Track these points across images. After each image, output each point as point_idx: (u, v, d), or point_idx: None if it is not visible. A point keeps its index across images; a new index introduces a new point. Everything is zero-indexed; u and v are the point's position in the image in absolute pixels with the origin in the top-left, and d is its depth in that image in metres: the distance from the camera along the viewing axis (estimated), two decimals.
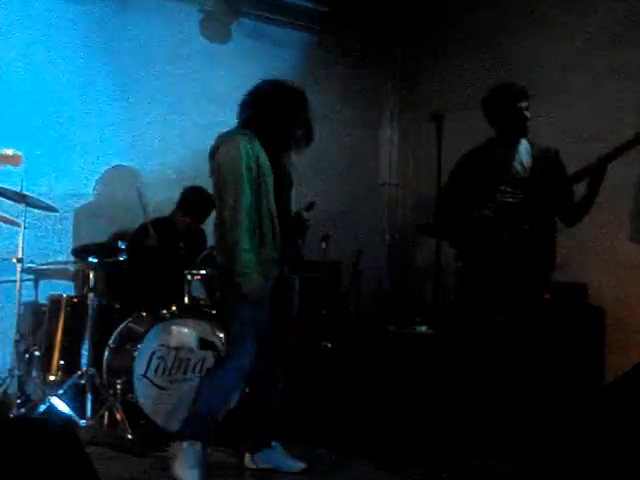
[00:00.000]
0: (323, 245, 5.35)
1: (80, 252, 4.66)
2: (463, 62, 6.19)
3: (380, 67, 7.00)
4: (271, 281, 3.56)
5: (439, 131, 3.79)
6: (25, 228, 4.52)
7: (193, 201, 5.11)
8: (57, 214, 5.01)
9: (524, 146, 4.12)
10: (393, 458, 4.04)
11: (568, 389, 4.41)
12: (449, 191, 4.15)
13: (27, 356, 4.71)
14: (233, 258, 3.45)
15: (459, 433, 3.97)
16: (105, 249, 4.64)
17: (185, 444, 3.43)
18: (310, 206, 4.68)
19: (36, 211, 4.80)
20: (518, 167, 4.08)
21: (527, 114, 4.04)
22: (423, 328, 5.63)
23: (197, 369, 4.32)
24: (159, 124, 5.87)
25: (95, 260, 4.50)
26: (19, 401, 4.35)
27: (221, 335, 4.36)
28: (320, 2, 6.41)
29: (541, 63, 5.59)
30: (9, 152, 3.30)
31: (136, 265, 4.78)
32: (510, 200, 4.04)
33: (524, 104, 4.03)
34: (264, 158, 3.53)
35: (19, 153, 3.28)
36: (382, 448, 4.22)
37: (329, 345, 5.29)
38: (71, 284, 5.28)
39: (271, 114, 3.59)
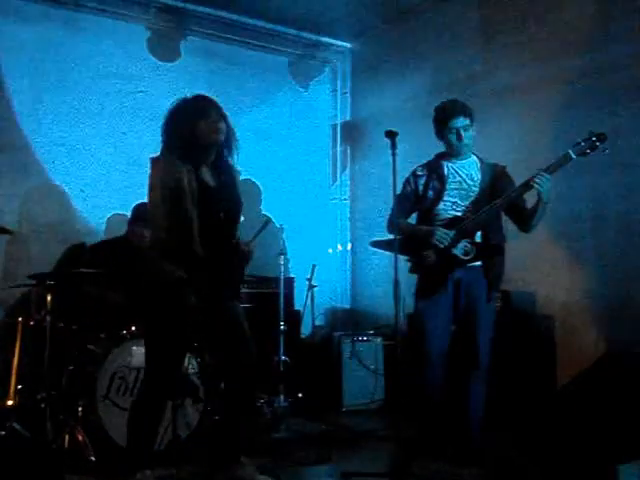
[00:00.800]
0: (281, 261, 5.39)
1: (35, 275, 4.61)
2: (407, 76, 6.32)
3: (328, 82, 7.10)
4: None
5: (393, 148, 3.88)
6: None
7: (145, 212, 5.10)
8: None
9: (473, 161, 4.26)
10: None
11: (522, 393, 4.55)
12: (400, 201, 4.23)
13: None
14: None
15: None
16: (60, 269, 4.61)
17: (135, 477, 3.53)
18: (266, 224, 4.78)
19: None
20: (469, 182, 4.20)
21: (463, 133, 4.13)
22: (378, 340, 5.73)
23: None
24: (106, 142, 5.87)
25: (51, 283, 4.45)
26: None
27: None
28: (268, 20, 6.48)
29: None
30: None
31: (93, 285, 4.75)
32: (461, 213, 4.15)
33: (457, 125, 4.12)
34: (186, 178, 3.46)
35: None
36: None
37: (288, 360, 5.33)
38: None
39: (172, 131, 3.58)
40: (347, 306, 6.91)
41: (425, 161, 4.35)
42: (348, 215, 7.10)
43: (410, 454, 3.89)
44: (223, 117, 3.62)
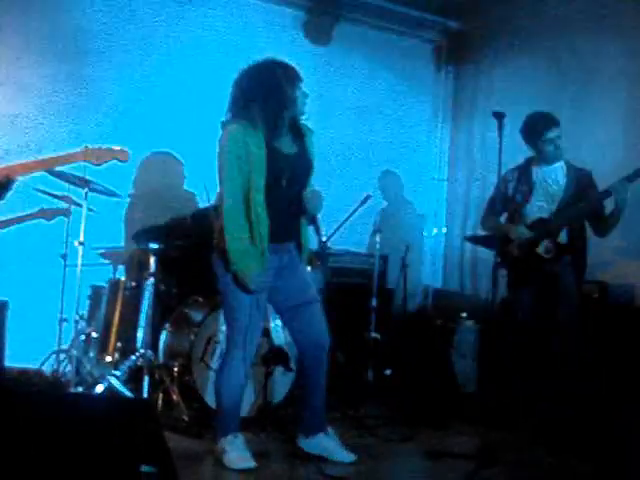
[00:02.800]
0: (377, 238, 5.40)
1: (141, 236, 4.76)
2: (518, 60, 6.17)
3: (434, 61, 7.02)
4: (269, 271, 3.57)
5: (500, 129, 3.91)
6: (89, 212, 4.65)
7: None
8: (118, 199, 5.14)
9: (560, 166, 4.51)
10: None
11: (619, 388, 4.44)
12: (491, 203, 4.69)
13: (84, 337, 4.87)
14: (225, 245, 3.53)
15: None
16: (163, 233, 4.74)
17: (226, 438, 3.62)
18: (366, 199, 4.81)
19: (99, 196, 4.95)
20: (555, 186, 4.47)
21: (558, 143, 4.41)
22: (469, 323, 5.66)
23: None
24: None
25: (156, 245, 4.61)
26: (77, 380, 4.49)
27: (276, 322, 4.45)
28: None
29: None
30: (116, 148, 3.41)
31: (195, 251, 4.87)
32: (547, 217, 4.44)
33: (553, 135, 4.40)
34: (255, 145, 3.45)
35: (125, 149, 3.39)
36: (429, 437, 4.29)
37: (378, 337, 5.35)
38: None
39: (252, 97, 3.50)
40: (439, 286, 6.86)
41: (515, 165, 4.63)
42: (445, 196, 7.01)
43: (496, 440, 3.85)
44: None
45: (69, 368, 4.67)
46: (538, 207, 4.49)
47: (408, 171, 6.74)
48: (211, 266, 4.80)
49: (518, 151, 4.62)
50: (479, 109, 6.53)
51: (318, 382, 3.80)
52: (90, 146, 3.42)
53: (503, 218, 4.70)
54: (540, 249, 4.41)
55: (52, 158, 3.33)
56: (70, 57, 5.45)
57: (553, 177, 4.49)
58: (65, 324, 4.76)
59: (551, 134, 4.40)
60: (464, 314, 5.62)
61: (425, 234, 6.92)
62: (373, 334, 5.33)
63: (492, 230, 4.71)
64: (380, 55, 6.63)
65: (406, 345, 5.62)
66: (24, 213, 4.99)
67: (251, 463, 3.57)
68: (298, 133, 3.66)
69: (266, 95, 3.48)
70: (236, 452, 3.61)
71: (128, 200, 5.58)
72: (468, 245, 6.40)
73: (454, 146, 6.98)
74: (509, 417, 4.25)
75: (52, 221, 5.08)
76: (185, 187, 5.79)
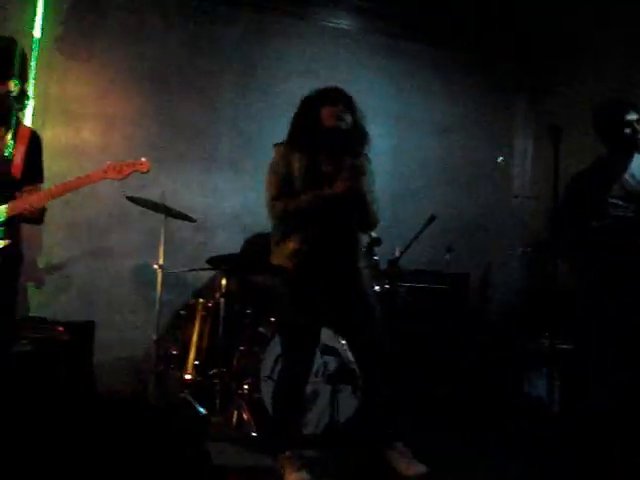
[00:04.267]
0: (447, 257, 5.38)
1: (213, 260, 4.94)
2: (597, 74, 6.03)
3: (512, 76, 6.94)
4: (316, 283, 3.65)
5: (556, 144, 3.77)
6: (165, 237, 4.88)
7: None
8: (196, 224, 5.35)
9: (637, 161, 4.12)
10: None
11: None
12: (563, 207, 4.16)
13: (167, 355, 5.09)
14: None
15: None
16: (236, 256, 4.91)
17: (286, 453, 3.66)
18: (430, 221, 4.79)
19: (177, 221, 5.18)
20: (631, 181, 4.07)
21: (636, 127, 4.05)
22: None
23: (319, 373, 4.47)
24: None
25: (226, 268, 4.77)
26: (157, 396, 4.70)
27: (343, 342, 4.50)
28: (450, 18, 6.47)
29: None
30: (137, 161, 3.54)
31: (267, 271, 5.01)
32: (622, 214, 4.04)
33: (633, 117, 4.05)
34: (297, 163, 3.64)
35: (144, 160, 3.53)
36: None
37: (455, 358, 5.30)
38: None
39: (295, 117, 3.76)
40: (523, 306, 6.71)
41: (586, 166, 4.27)
42: (527, 214, 6.88)
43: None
44: (351, 110, 3.70)
45: (147, 385, 4.89)
46: (613, 205, 4.06)
47: (489, 188, 6.66)
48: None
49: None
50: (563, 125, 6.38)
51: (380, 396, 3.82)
52: (111, 162, 3.53)
53: None
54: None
55: (76, 180, 3.45)
56: (155, 89, 5.74)
57: (630, 171, 4.10)
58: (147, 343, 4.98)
59: (630, 116, 4.05)
60: (546, 333, 5.47)
61: (510, 252, 6.80)
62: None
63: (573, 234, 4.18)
64: (460, 74, 6.61)
65: (483, 364, 5.54)
66: None
67: None
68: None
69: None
70: (294, 471, 3.63)
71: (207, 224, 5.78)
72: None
73: (536, 163, 6.85)
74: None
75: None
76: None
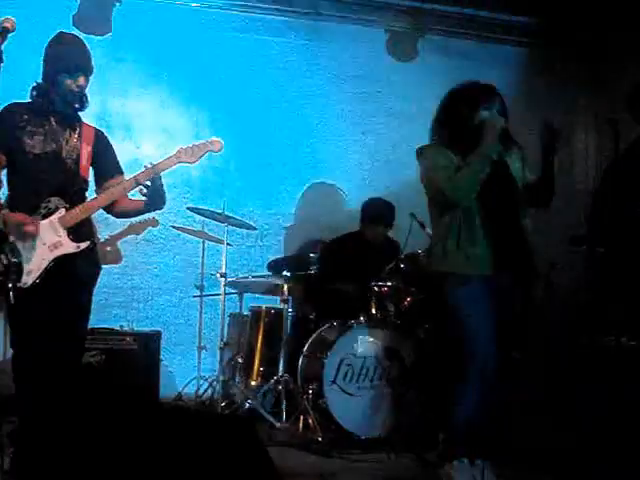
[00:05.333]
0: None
1: (273, 266, 5.01)
2: None
3: (573, 73, 6.80)
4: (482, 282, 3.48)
5: (616, 137, 3.67)
6: (228, 245, 4.95)
7: (377, 213, 5.31)
8: (257, 232, 5.43)
9: None
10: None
11: None
12: (601, 196, 4.20)
13: (232, 362, 5.16)
14: None
15: None
16: (296, 261, 4.95)
17: (452, 464, 3.48)
18: None
19: (238, 230, 5.26)
20: None
21: None
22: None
23: (383, 377, 4.47)
24: (351, 143, 6.16)
25: (288, 274, 4.82)
26: (223, 404, 4.77)
27: (406, 344, 4.50)
28: (516, 14, 6.38)
29: None
30: (209, 140, 3.48)
31: (328, 276, 5.05)
32: None
33: None
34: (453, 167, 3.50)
35: (218, 138, 3.50)
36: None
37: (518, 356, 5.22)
38: (274, 297, 5.67)
39: (447, 118, 3.60)
40: (589, 306, 6.56)
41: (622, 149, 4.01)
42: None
43: None
44: (503, 111, 3.54)
45: (214, 392, 4.97)
46: None
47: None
48: (345, 291, 5.01)
49: None
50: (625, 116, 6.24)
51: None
52: (183, 146, 3.45)
53: None
54: None
55: (146, 170, 3.39)
56: (209, 101, 5.84)
57: None
58: (204, 351, 5.05)
59: None
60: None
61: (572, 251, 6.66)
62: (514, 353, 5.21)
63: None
64: (519, 71, 6.53)
65: (547, 366, 5.44)
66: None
67: None
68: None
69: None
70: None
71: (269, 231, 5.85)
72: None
73: (601, 156, 6.70)
74: None
75: (142, 234, 5.47)
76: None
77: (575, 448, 4.05)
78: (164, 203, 3.58)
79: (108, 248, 5.13)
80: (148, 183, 3.42)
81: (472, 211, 3.49)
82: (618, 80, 6.37)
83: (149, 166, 3.43)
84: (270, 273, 5.19)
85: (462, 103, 3.52)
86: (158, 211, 3.71)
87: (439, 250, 3.57)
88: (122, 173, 3.64)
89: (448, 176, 3.46)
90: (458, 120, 3.52)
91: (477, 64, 6.37)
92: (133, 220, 5.21)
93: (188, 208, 5.04)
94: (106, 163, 3.61)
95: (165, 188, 3.51)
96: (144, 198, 3.50)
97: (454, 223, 3.51)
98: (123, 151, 5.40)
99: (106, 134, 3.67)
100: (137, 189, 3.46)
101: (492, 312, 3.48)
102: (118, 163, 3.67)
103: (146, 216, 4.59)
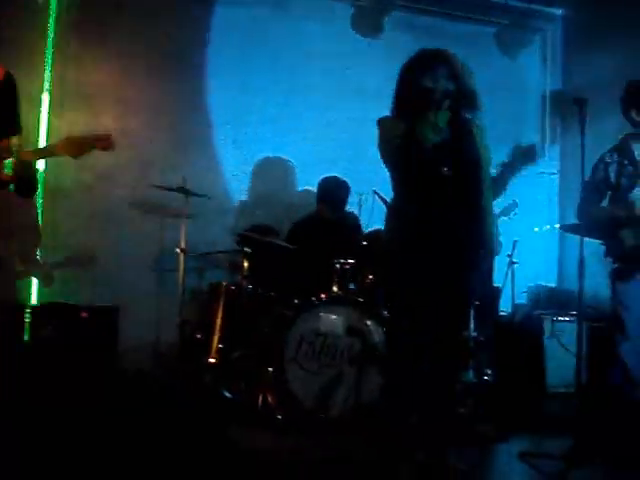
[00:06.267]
0: None
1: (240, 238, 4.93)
2: (623, 45, 5.87)
3: (537, 51, 6.80)
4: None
5: (582, 117, 3.67)
6: (189, 218, 4.86)
7: (327, 190, 5.29)
8: (218, 208, 5.33)
9: None
10: None
11: None
12: (590, 189, 4.15)
13: (191, 339, 5.07)
14: None
15: None
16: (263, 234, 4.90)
17: None
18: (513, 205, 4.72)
19: (199, 206, 5.16)
20: None
21: None
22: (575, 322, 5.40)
23: (345, 355, 4.42)
24: (313, 119, 6.07)
25: (249, 250, 4.74)
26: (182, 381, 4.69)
27: (369, 322, 4.45)
28: None
29: None
30: (99, 135, 3.08)
31: (289, 254, 4.98)
32: None
33: None
34: (404, 137, 3.37)
35: (109, 134, 3.16)
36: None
37: (481, 338, 5.21)
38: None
39: (395, 89, 3.49)
40: (552, 285, 6.60)
41: (611, 146, 4.18)
42: (557, 191, 6.76)
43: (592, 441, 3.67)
44: (452, 75, 3.40)
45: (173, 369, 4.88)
46: None
47: None
48: (306, 269, 4.94)
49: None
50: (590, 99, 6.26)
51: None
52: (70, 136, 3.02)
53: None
54: None
55: (26, 152, 3.06)
56: (172, 72, 5.69)
57: None
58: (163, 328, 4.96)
59: None
60: (573, 312, 5.38)
61: (536, 230, 6.68)
62: (473, 334, 5.19)
63: (598, 218, 4.14)
64: (484, 47, 6.48)
65: (509, 345, 5.44)
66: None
67: None
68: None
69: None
70: None
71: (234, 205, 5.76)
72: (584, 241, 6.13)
73: (564, 138, 6.72)
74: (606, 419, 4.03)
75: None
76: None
77: None
78: (34, 191, 3.34)
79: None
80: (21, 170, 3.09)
81: (425, 184, 3.38)
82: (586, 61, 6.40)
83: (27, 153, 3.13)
84: (229, 250, 5.11)
85: (407, 72, 3.45)
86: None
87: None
88: (15, 133, 3.20)
89: (396, 146, 3.38)
90: (404, 89, 3.44)
91: (443, 41, 6.34)
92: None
93: (149, 185, 4.93)
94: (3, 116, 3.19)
95: (37, 177, 3.30)
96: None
97: (401, 195, 3.47)
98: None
99: (15, 82, 3.24)
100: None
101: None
102: (17, 121, 3.25)
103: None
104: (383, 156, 3.45)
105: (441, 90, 3.35)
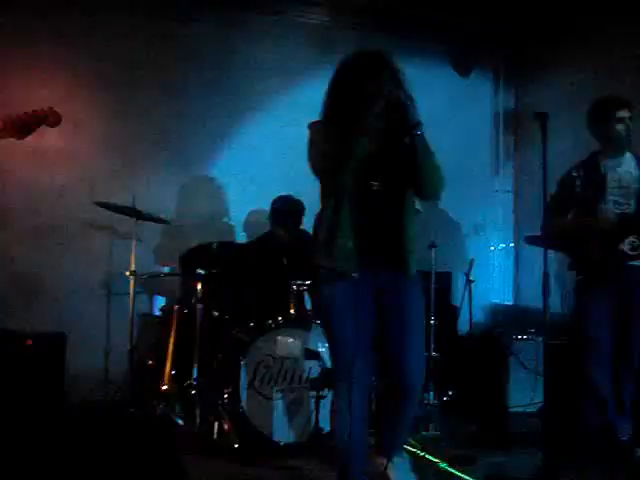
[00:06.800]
0: (432, 254, 5.21)
1: (185, 259, 4.77)
2: (574, 62, 5.93)
3: (489, 70, 6.81)
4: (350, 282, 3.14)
5: (543, 131, 3.64)
6: (139, 241, 4.68)
7: (281, 211, 5.16)
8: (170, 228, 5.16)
9: (629, 157, 4.17)
10: None
11: None
12: (557, 202, 4.18)
13: (141, 366, 4.88)
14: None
15: None
16: (209, 256, 4.74)
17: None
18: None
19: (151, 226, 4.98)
20: (628, 178, 4.12)
21: (629, 124, 4.09)
22: (540, 338, 5.37)
23: (302, 379, 4.29)
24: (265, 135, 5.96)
25: (202, 272, 4.59)
26: (133, 410, 4.49)
27: (327, 345, 4.32)
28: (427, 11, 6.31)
29: None
30: (44, 110, 2.93)
31: (243, 277, 4.85)
32: (621, 211, 4.08)
33: (625, 114, 4.09)
34: (337, 146, 3.09)
35: (55, 110, 2.94)
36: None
37: (438, 356, 5.14)
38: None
39: (330, 92, 3.22)
40: (509, 303, 6.59)
41: (578, 161, 4.27)
42: (512, 208, 6.75)
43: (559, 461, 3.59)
44: (394, 79, 3.13)
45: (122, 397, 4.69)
46: (613, 202, 4.09)
47: (469, 184, 6.51)
48: (261, 291, 4.81)
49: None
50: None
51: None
52: (11, 115, 2.88)
53: None
54: (625, 246, 4.02)
55: None
56: (118, 88, 5.53)
57: (625, 168, 4.13)
58: (112, 355, 4.76)
59: (623, 113, 4.07)
60: (532, 330, 5.34)
61: (492, 248, 6.67)
62: (434, 354, 5.12)
63: (563, 230, 4.20)
64: (435, 66, 6.46)
65: (470, 364, 5.38)
66: None
67: None
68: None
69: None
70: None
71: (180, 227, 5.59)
72: (540, 258, 6.11)
73: (518, 156, 6.73)
74: (573, 438, 4.00)
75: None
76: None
77: None
78: None
79: None
80: None
81: (344, 196, 3.13)
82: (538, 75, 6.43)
83: None
84: (180, 272, 4.95)
85: (346, 73, 3.17)
86: None
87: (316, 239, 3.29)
88: None
89: (321, 154, 3.14)
90: (341, 92, 3.15)
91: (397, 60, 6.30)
92: None
93: (96, 203, 4.74)
94: None
95: None
96: None
97: (328, 207, 3.20)
98: None
99: None
100: None
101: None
102: None
103: None
104: (313, 164, 3.17)
105: (384, 95, 3.05)
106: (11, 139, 2.96)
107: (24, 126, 2.92)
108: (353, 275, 3.13)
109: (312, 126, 3.25)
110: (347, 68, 3.20)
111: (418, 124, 3.06)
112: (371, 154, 3.15)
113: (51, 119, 2.96)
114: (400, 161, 3.17)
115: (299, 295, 4.58)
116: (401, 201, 3.20)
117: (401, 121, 3.08)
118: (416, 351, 3.29)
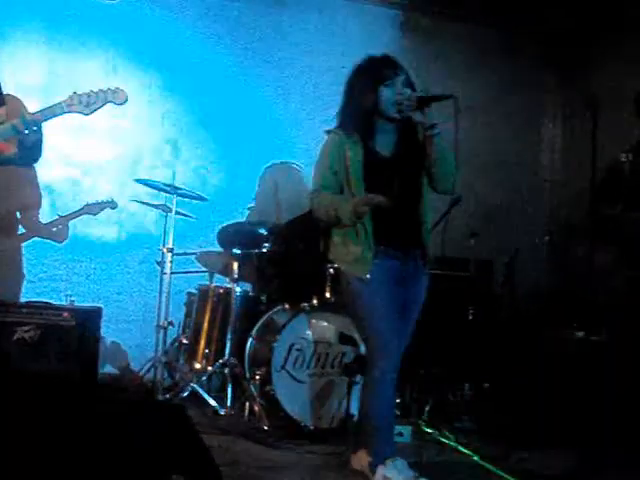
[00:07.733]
0: (472, 242, 5.09)
1: (223, 235, 4.74)
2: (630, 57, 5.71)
3: (541, 60, 6.61)
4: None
5: (594, 118, 3.50)
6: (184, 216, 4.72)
7: None
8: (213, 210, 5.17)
9: None
10: None
11: None
12: (604, 193, 4.06)
13: (176, 343, 4.89)
14: None
15: None
16: (247, 235, 4.73)
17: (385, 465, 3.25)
18: (455, 202, 4.51)
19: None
20: None
21: None
22: (580, 333, 5.23)
23: (335, 364, 4.23)
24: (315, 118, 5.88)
25: (239, 251, 4.56)
26: (166, 386, 4.50)
27: None
28: None
29: None
30: (111, 89, 3.01)
31: (281, 257, 4.80)
32: None
33: None
34: (354, 153, 3.24)
35: (122, 88, 3.02)
36: None
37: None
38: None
39: (345, 99, 3.32)
40: (551, 295, 6.42)
41: (627, 146, 4.06)
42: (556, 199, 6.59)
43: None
44: (408, 83, 3.24)
45: (156, 373, 4.68)
46: None
47: (518, 172, 6.36)
48: (298, 273, 4.77)
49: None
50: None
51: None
52: (78, 92, 2.96)
53: None
54: None
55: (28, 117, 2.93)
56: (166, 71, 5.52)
57: None
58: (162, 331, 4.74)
59: None
60: (574, 324, 5.19)
61: (537, 239, 6.51)
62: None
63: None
64: (484, 52, 6.30)
65: (509, 357, 5.26)
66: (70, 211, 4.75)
67: None
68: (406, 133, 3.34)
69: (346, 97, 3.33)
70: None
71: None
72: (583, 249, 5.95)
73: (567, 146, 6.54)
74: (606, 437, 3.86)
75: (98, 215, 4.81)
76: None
77: None
78: (38, 158, 3.25)
79: (54, 229, 4.71)
80: (26, 131, 2.97)
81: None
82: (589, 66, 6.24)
83: (33, 114, 3.00)
84: (220, 250, 4.92)
85: (362, 81, 3.25)
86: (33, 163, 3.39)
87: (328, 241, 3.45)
88: (3, 104, 3.17)
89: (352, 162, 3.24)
90: (360, 99, 3.24)
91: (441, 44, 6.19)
92: (89, 200, 4.74)
93: (136, 180, 4.74)
94: None
95: (43, 140, 3.12)
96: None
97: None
98: None
99: None
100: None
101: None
102: (0, 92, 3.20)
103: (104, 197, 4.55)
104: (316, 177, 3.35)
105: (403, 99, 3.17)
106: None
107: (92, 102, 2.99)
108: (367, 277, 3.24)
109: (328, 134, 3.35)
110: (363, 75, 3.27)
111: (434, 125, 3.18)
112: (387, 159, 3.28)
113: (121, 96, 3.04)
114: (416, 164, 3.29)
115: (336, 278, 4.52)
116: (417, 196, 3.33)
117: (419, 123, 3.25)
118: (405, 341, 3.40)
